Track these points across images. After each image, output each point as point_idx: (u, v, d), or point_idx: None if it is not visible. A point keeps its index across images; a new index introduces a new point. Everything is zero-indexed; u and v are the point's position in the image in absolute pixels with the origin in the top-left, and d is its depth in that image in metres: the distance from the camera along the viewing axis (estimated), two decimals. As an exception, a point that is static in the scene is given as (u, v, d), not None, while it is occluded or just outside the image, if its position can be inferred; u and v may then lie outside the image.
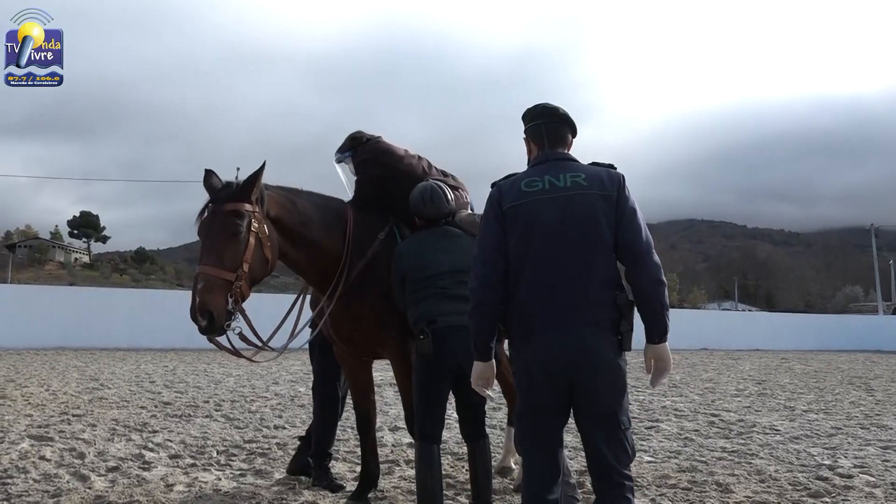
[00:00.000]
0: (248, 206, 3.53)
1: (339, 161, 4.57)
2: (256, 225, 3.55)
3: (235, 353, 3.87)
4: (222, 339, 3.59)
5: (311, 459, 4.86)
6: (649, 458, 5.91)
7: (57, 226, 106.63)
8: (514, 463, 5.20)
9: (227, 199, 3.53)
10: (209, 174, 3.73)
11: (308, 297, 4.59)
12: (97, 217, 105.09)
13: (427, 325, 3.64)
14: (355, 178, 4.47)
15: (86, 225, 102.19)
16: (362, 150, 4.44)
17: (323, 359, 4.97)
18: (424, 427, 3.68)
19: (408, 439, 6.49)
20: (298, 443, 5.11)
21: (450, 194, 4.08)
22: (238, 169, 36.21)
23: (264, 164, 3.64)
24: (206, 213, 3.56)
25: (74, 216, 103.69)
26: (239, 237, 3.46)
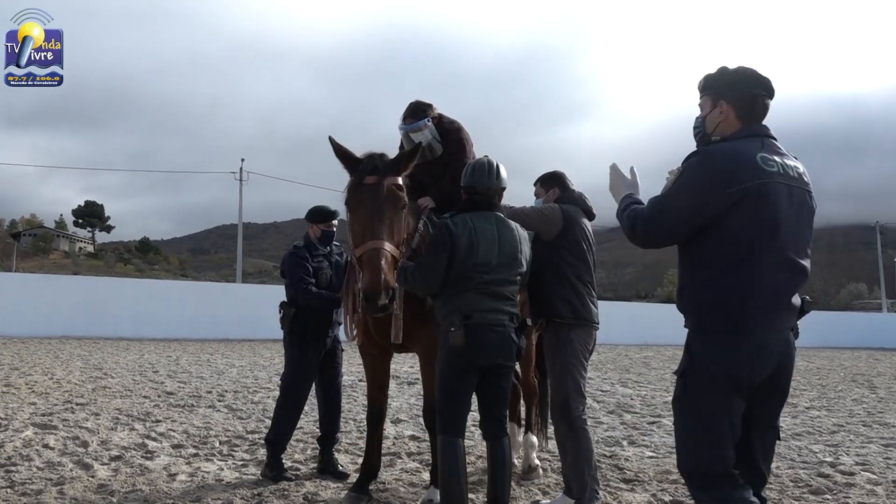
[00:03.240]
0: (401, 181, 3.48)
1: (413, 128, 4.42)
2: (407, 202, 3.52)
3: (351, 332, 3.80)
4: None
5: (267, 446, 4.78)
6: (651, 454, 5.91)
7: (62, 215, 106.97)
8: (537, 459, 5.15)
9: (390, 172, 3.43)
10: (335, 142, 3.60)
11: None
12: (102, 207, 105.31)
13: (462, 320, 3.47)
14: (441, 147, 4.44)
15: (91, 214, 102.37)
16: (449, 127, 4.50)
17: (299, 351, 4.82)
18: (450, 421, 3.54)
19: (409, 432, 6.51)
20: (318, 444, 5.08)
21: (504, 172, 3.83)
22: (243, 160, 36.36)
23: (421, 144, 3.59)
24: (366, 183, 3.40)
25: (79, 205, 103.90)
26: (403, 212, 3.41)
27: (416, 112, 4.46)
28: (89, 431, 6.00)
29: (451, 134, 4.51)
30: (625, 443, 6.35)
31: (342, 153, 3.55)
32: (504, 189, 3.84)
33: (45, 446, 5.38)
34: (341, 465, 4.97)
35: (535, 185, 4.54)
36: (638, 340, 26.00)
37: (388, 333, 3.99)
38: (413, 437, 6.26)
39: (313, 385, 5.01)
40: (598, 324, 4.15)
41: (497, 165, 3.79)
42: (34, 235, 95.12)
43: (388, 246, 3.28)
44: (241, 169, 35.97)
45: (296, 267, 4.78)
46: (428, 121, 4.43)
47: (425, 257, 3.63)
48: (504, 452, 3.64)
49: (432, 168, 4.52)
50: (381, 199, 3.36)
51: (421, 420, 7.08)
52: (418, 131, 4.42)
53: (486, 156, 3.94)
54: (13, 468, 4.70)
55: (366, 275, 3.24)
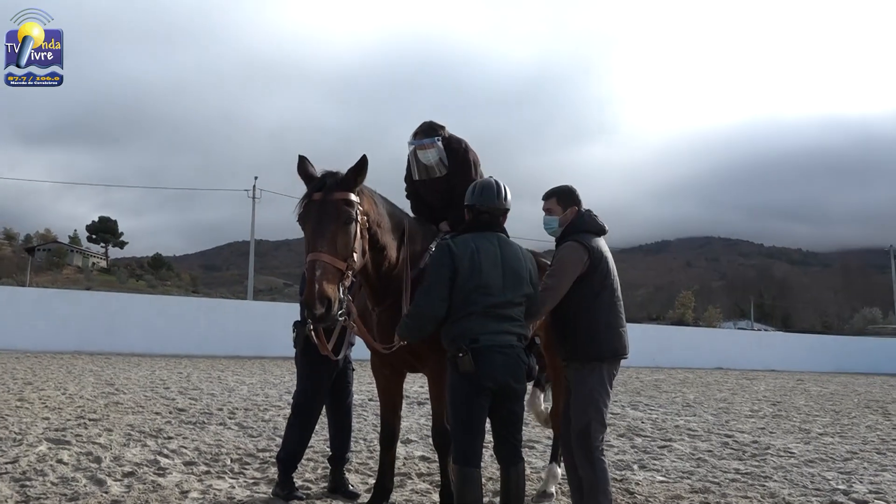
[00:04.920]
0: (354, 196, 3.52)
1: (421, 144, 4.52)
2: (361, 217, 3.54)
3: (324, 345, 3.83)
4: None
5: (278, 464, 4.80)
6: (661, 478, 5.88)
7: (76, 230, 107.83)
8: (554, 488, 5.12)
9: (337, 187, 3.49)
10: (303, 161, 3.68)
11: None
12: (116, 222, 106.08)
13: (469, 344, 3.45)
14: (445, 169, 4.51)
15: (104, 230, 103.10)
16: (457, 147, 4.55)
17: (311, 371, 4.84)
18: (466, 450, 3.47)
19: (419, 452, 6.50)
20: (329, 465, 5.11)
21: (509, 194, 3.83)
22: (256, 178, 36.67)
23: (365, 157, 3.60)
24: (313, 199, 3.50)
25: (93, 221, 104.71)
26: (350, 226, 3.45)
27: (429, 131, 4.53)
28: (102, 447, 6.04)
29: (458, 154, 4.55)
30: (635, 466, 6.32)
31: (304, 172, 3.64)
32: (508, 210, 3.82)
33: (59, 461, 5.42)
34: (352, 485, 4.98)
35: (545, 199, 4.25)
36: (649, 363, 25.84)
37: (393, 351, 3.96)
38: (423, 458, 6.26)
39: (324, 404, 5.05)
40: (628, 354, 4.04)
41: (503, 187, 3.80)
42: (48, 250, 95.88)
43: (326, 258, 3.34)
44: (254, 187, 36.33)
45: None
46: (437, 140, 4.50)
47: (428, 278, 3.61)
48: (519, 478, 3.60)
49: (437, 187, 4.57)
50: (324, 213, 3.44)
51: (431, 441, 7.08)
52: (425, 149, 4.49)
53: (490, 177, 3.94)
54: (28, 482, 4.75)
55: (306, 286, 3.33)
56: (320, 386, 4.88)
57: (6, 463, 5.27)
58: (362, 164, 3.56)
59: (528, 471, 5.44)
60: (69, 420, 7.43)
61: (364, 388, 11.60)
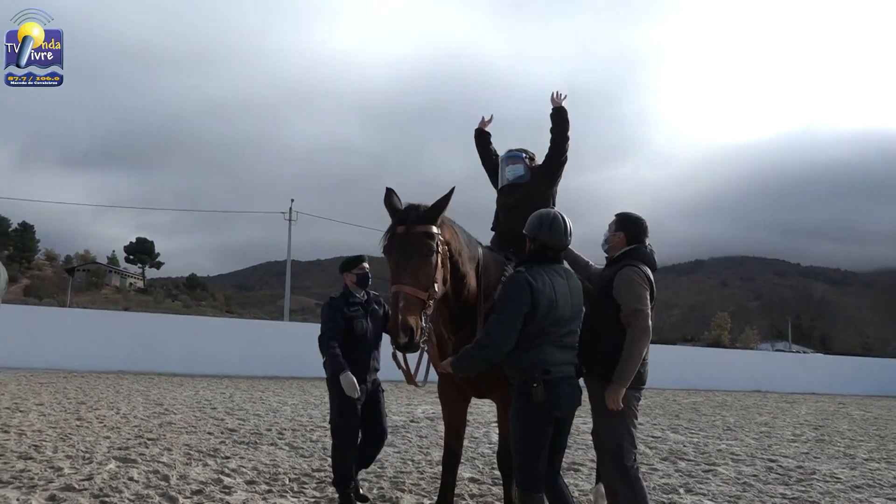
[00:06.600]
0: (435, 229, 3.71)
1: (512, 157, 5.08)
2: (441, 248, 3.73)
3: (409, 375, 4.06)
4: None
5: (336, 488, 5.00)
6: (709, 502, 5.96)
7: (114, 251, 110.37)
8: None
9: (419, 221, 3.69)
10: (390, 193, 3.88)
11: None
12: (152, 243, 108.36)
13: (542, 375, 3.59)
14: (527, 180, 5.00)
15: (141, 251, 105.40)
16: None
17: (341, 393, 4.94)
18: (533, 477, 3.62)
19: (468, 474, 6.65)
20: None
21: (572, 227, 3.94)
22: (293, 200, 37.35)
23: (453, 189, 3.79)
24: (397, 232, 3.70)
25: (131, 242, 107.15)
26: (431, 258, 3.63)
27: (519, 150, 5.10)
28: (167, 466, 6.32)
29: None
30: (682, 490, 6.39)
31: (389, 204, 3.86)
32: (568, 244, 3.95)
33: (131, 479, 5.71)
34: (362, 489, 5.32)
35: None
36: (685, 385, 25.57)
37: (465, 377, 4.15)
38: (473, 480, 6.41)
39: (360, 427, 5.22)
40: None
41: (569, 223, 3.90)
42: (87, 270, 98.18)
43: (408, 289, 3.53)
44: (290, 209, 37.03)
45: (328, 320, 5.05)
46: (524, 157, 5.06)
47: (505, 311, 3.62)
48: (564, 492, 3.77)
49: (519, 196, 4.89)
50: (406, 246, 3.64)
51: (478, 462, 7.24)
52: (512, 163, 5.06)
53: (558, 212, 3.98)
54: (107, 499, 5.03)
55: (390, 317, 3.56)
56: (352, 407, 4.98)
57: (82, 480, 5.58)
58: (447, 198, 3.78)
59: (575, 493, 5.56)
60: (129, 439, 7.74)
61: (403, 408, 11.77)
